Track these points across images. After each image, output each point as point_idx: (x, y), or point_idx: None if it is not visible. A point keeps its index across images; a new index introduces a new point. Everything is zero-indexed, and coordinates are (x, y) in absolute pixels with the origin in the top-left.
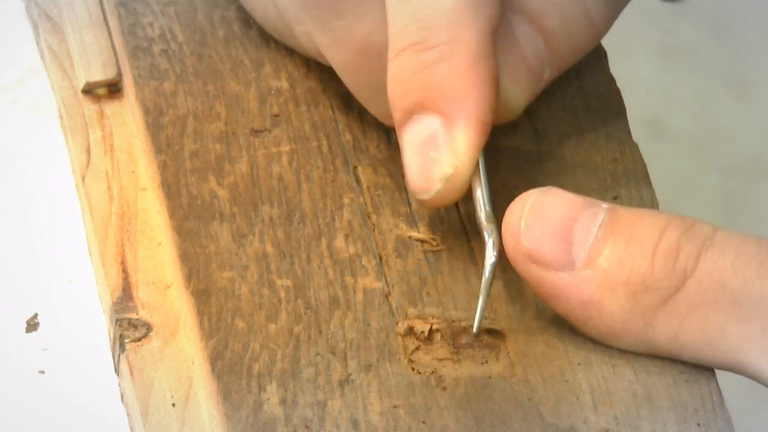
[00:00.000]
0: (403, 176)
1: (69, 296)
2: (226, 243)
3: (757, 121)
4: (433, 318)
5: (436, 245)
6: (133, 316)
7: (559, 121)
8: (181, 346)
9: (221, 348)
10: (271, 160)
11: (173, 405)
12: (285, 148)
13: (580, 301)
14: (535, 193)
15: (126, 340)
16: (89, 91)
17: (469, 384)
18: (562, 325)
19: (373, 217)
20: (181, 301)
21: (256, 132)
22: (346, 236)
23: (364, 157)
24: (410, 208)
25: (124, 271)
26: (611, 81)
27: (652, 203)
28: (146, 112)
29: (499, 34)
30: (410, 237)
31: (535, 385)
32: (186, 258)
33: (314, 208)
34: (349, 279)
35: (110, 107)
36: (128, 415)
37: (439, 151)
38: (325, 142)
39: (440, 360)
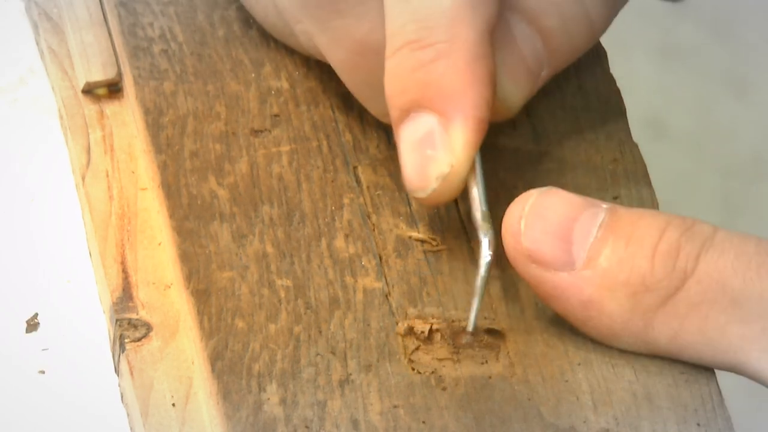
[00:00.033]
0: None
1: (69, 296)
2: (226, 243)
3: (757, 121)
4: (433, 318)
5: (436, 245)
6: (133, 316)
7: (558, 121)
8: (181, 346)
9: (221, 348)
10: (271, 160)
11: (173, 405)
12: (285, 148)
13: (580, 301)
14: (535, 193)
15: (126, 340)
16: (89, 91)
17: (469, 384)
18: (562, 325)
19: (373, 217)
20: (181, 301)
21: (256, 132)
22: (346, 236)
23: (364, 157)
24: (410, 208)
25: (124, 271)
26: (611, 81)
27: (652, 203)
28: (146, 112)
29: (497, 33)
30: (410, 237)
31: (535, 385)
32: (186, 258)
33: (314, 208)
34: (349, 279)
35: (110, 107)
36: (128, 415)
37: (436, 150)
38: (325, 142)
39: (440, 360)
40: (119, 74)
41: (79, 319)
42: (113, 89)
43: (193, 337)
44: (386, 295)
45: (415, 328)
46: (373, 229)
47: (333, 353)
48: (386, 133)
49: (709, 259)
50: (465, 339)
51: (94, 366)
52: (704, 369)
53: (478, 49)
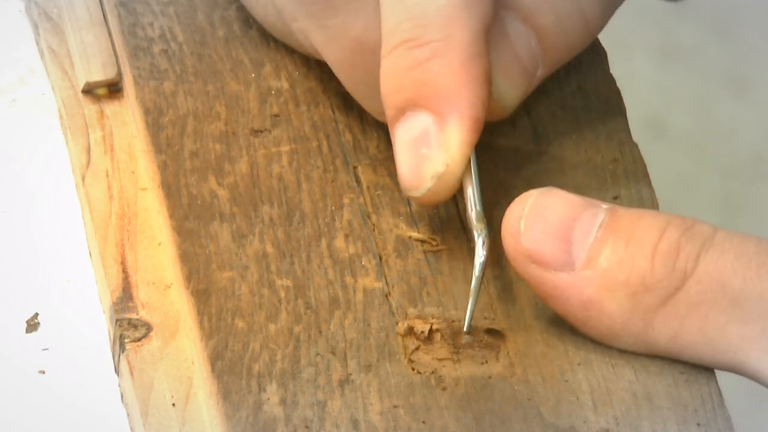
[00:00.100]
0: None
1: (69, 296)
2: (226, 243)
3: (757, 121)
4: (433, 318)
5: (436, 245)
6: (133, 316)
7: (558, 121)
8: (181, 346)
9: (221, 348)
10: (271, 160)
11: (173, 405)
12: (285, 148)
13: (579, 302)
14: (534, 193)
15: (126, 340)
16: (89, 91)
17: (469, 384)
18: (562, 325)
19: (373, 217)
20: (181, 301)
21: (256, 132)
22: (346, 236)
23: (364, 157)
24: (410, 208)
25: (124, 271)
26: (611, 81)
27: (652, 203)
28: (146, 112)
29: (492, 32)
30: (410, 237)
31: (535, 385)
32: (186, 258)
33: (314, 208)
34: (349, 279)
35: (110, 107)
36: (128, 415)
37: (431, 149)
38: (325, 142)
39: (440, 360)
40: (119, 74)
41: (79, 319)
42: (113, 89)
43: (193, 337)
44: (386, 295)
45: (415, 328)
46: (373, 229)
47: (333, 353)
48: (386, 133)
49: (709, 259)
50: (465, 339)
51: (94, 366)
52: (704, 369)
53: (474, 48)
